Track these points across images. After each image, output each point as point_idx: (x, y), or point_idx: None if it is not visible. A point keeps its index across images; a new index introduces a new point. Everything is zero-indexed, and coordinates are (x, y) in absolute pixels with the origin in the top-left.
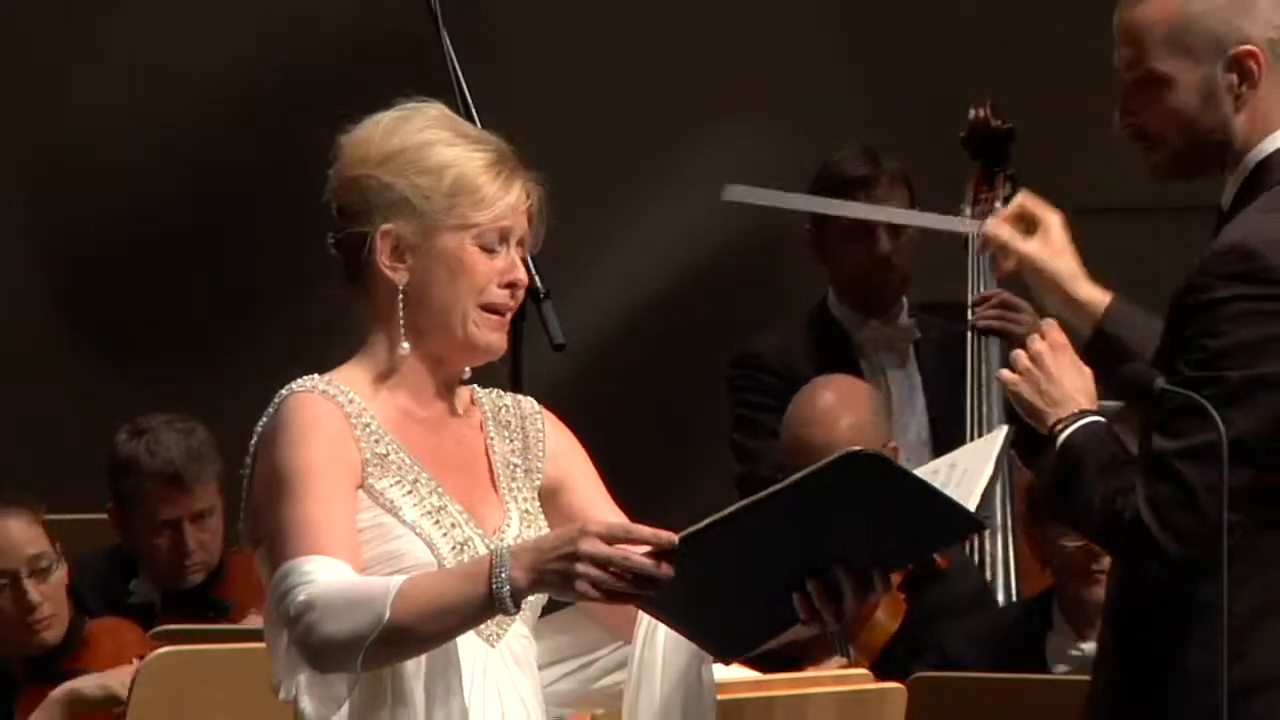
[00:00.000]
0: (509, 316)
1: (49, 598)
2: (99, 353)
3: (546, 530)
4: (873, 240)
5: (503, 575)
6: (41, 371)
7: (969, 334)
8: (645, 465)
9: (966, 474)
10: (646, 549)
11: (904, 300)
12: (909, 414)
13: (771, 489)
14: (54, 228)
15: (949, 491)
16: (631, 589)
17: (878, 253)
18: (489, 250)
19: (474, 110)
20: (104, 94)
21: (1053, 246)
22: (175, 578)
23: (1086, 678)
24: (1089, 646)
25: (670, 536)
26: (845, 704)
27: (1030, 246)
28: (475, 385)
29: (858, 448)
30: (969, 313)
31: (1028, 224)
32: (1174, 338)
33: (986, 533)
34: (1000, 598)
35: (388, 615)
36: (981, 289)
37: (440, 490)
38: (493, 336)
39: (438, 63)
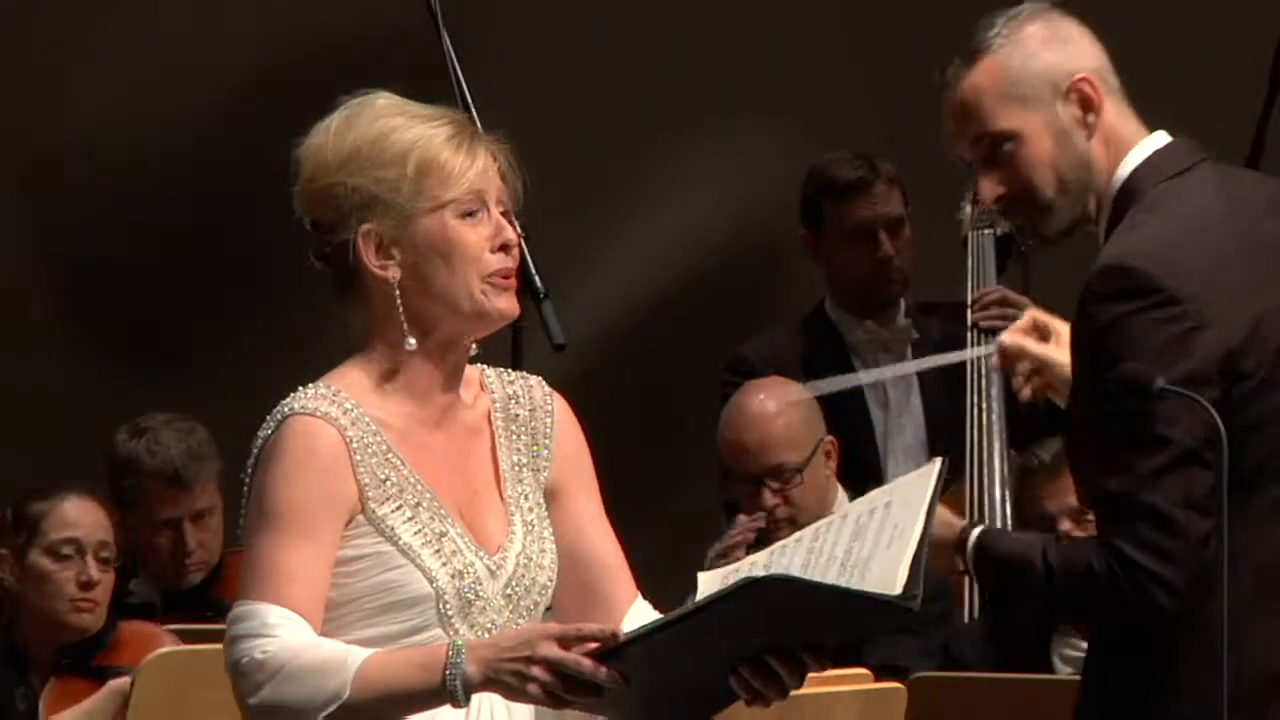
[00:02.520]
0: (513, 280)
1: (103, 585)
2: (99, 353)
3: (550, 538)
4: (874, 244)
5: (456, 670)
6: (41, 371)
7: (969, 334)
8: (645, 466)
9: (898, 531)
10: (596, 646)
11: (901, 302)
12: (906, 415)
13: (683, 611)
14: (54, 228)
15: (876, 562)
16: (580, 695)
17: (880, 256)
18: (471, 221)
19: (474, 110)
20: (104, 94)
21: (1066, 348)
22: (175, 577)
23: None
24: None
25: (615, 630)
26: (845, 704)
27: (1048, 349)
28: (485, 366)
29: (760, 574)
30: (969, 312)
31: (1040, 333)
32: (1082, 368)
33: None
34: None
35: (347, 694)
36: (982, 287)
37: (443, 512)
38: (502, 302)
39: (438, 63)
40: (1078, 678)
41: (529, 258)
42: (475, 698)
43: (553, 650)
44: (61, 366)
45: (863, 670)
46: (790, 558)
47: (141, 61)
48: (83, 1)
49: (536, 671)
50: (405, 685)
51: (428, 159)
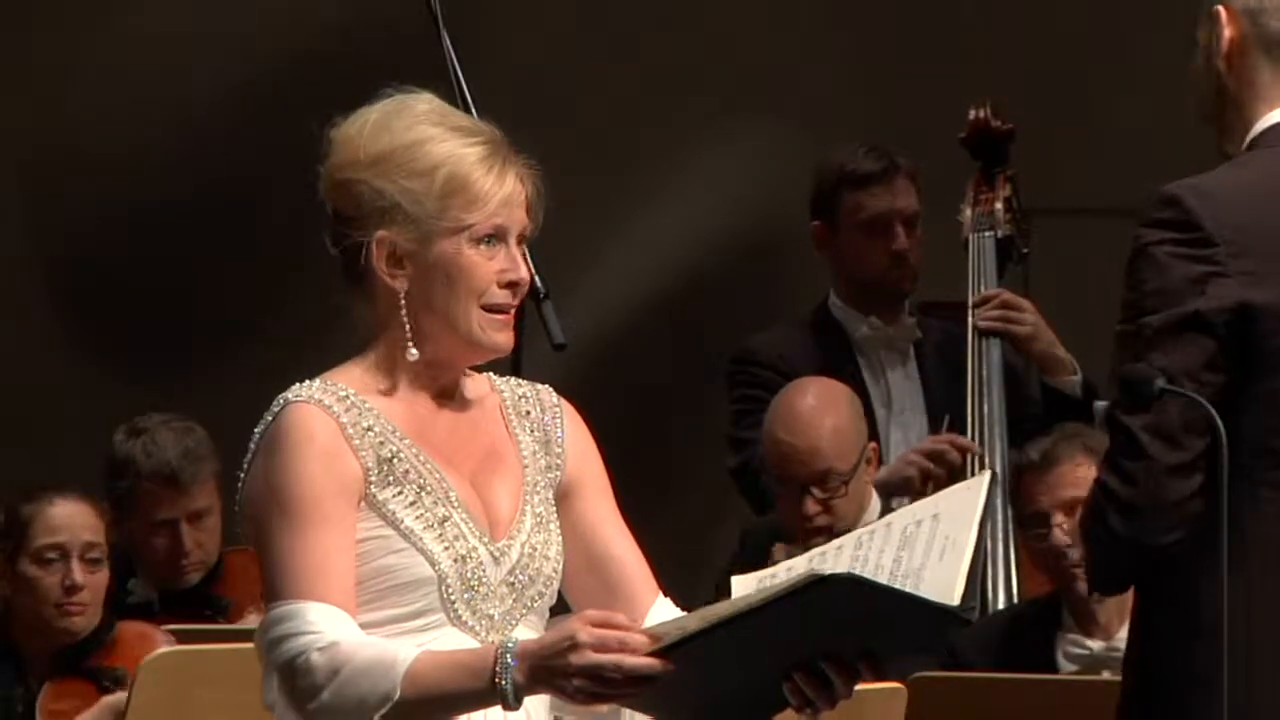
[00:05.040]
0: (513, 314)
1: (90, 587)
2: (99, 353)
3: (557, 533)
4: (890, 236)
5: (506, 673)
6: (41, 371)
7: (970, 334)
8: (645, 465)
9: (950, 543)
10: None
11: (905, 301)
12: (910, 414)
13: (743, 608)
14: (54, 228)
15: (929, 572)
16: (623, 692)
17: (895, 249)
18: (486, 250)
19: (474, 110)
20: (104, 94)
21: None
22: (172, 577)
23: (1089, 677)
24: (1097, 645)
25: (654, 634)
26: (845, 704)
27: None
28: (492, 374)
29: (827, 571)
30: (970, 313)
31: None
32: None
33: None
34: (1001, 598)
35: (398, 694)
36: (982, 289)
37: (450, 495)
38: (499, 336)
39: (438, 63)
40: (1078, 677)
41: (529, 258)
42: None
43: (588, 658)
44: (61, 366)
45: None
46: (833, 565)
47: (141, 62)
48: (83, 1)
49: (578, 682)
50: (454, 687)
51: (457, 178)
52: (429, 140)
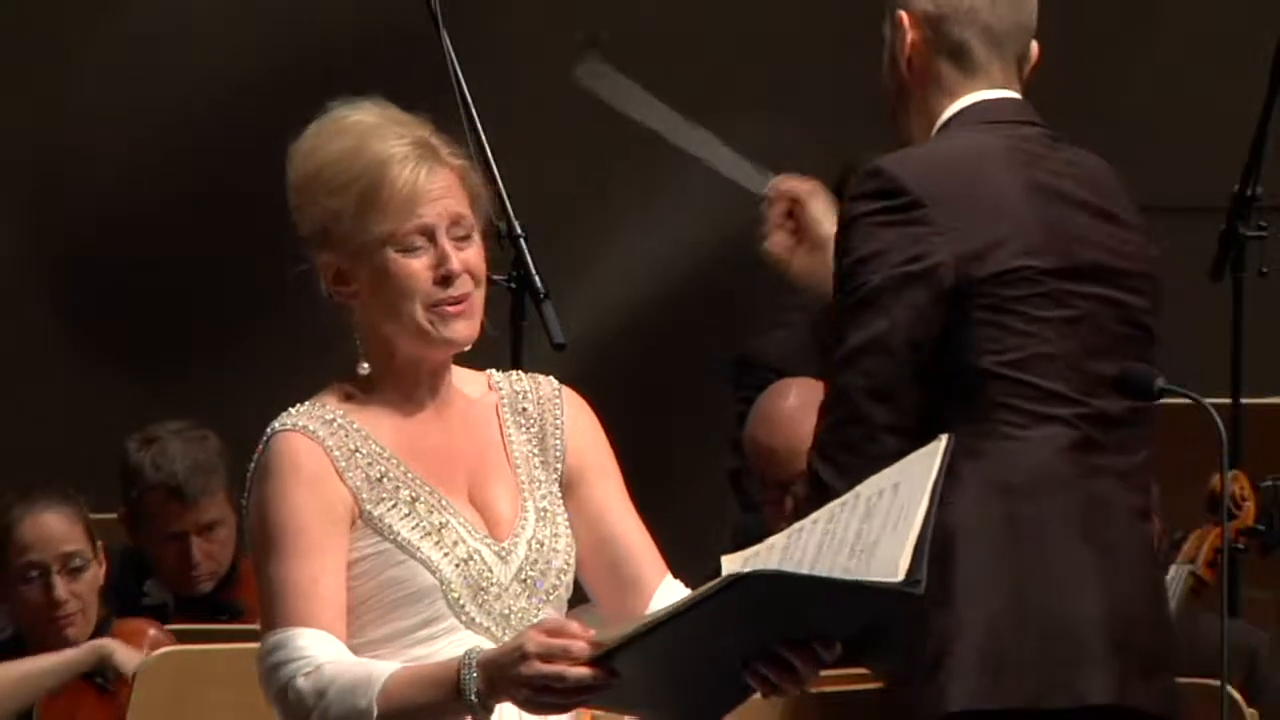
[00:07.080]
0: (467, 303)
1: (77, 595)
2: (99, 353)
3: (564, 524)
4: None
5: (469, 684)
6: (41, 371)
7: None
8: (644, 465)
9: (903, 513)
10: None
11: None
12: None
13: (673, 611)
14: (54, 228)
15: (884, 545)
16: (570, 701)
17: None
18: (413, 252)
19: (474, 110)
20: (104, 94)
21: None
22: (184, 586)
23: None
24: None
25: (599, 641)
26: (847, 704)
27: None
28: (493, 370)
29: (745, 570)
30: None
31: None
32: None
33: None
34: None
35: (375, 712)
36: None
37: (443, 503)
38: (449, 330)
39: (438, 63)
40: None
41: (529, 257)
42: None
43: (536, 669)
44: (61, 366)
45: (864, 670)
46: (806, 540)
47: (142, 61)
48: (83, 1)
49: (526, 692)
50: (425, 700)
51: (370, 189)
52: (348, 154)
